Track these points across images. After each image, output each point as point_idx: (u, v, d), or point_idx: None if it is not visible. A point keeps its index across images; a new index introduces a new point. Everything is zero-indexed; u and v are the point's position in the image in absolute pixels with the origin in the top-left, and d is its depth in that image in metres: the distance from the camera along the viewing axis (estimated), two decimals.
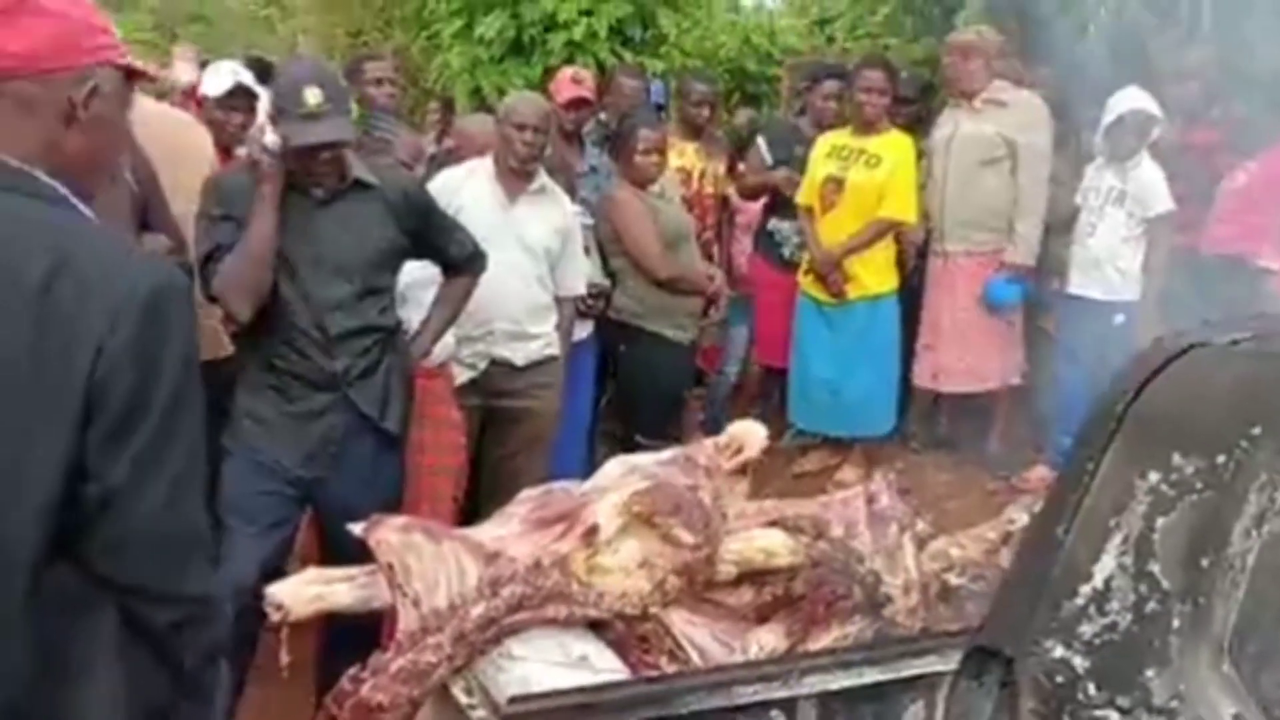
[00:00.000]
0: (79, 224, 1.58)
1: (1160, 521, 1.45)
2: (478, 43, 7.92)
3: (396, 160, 3.44)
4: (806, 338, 5.00)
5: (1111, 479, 1.55)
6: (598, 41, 7.83)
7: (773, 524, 2.76)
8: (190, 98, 4.46)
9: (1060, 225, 4.82)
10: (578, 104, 4.75)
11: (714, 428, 5.64)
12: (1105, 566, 1.51)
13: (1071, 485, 1.62)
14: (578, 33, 7.81)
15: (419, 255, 3.15)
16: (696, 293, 4.55)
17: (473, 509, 3.90)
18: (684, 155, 5.29)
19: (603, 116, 5.09)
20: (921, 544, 2.88)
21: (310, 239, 2.91)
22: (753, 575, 2.65)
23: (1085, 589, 1.50)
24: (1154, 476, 1.46)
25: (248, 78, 4.15)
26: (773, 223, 5.28)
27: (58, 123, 1.59)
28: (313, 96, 2.81)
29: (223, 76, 4.02)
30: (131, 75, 1.69)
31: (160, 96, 4.48)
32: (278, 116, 2.86)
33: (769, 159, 5.27)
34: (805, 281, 4.97)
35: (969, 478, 4.98)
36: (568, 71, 5.08)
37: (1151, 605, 1.43)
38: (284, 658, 2.51)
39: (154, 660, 1.59)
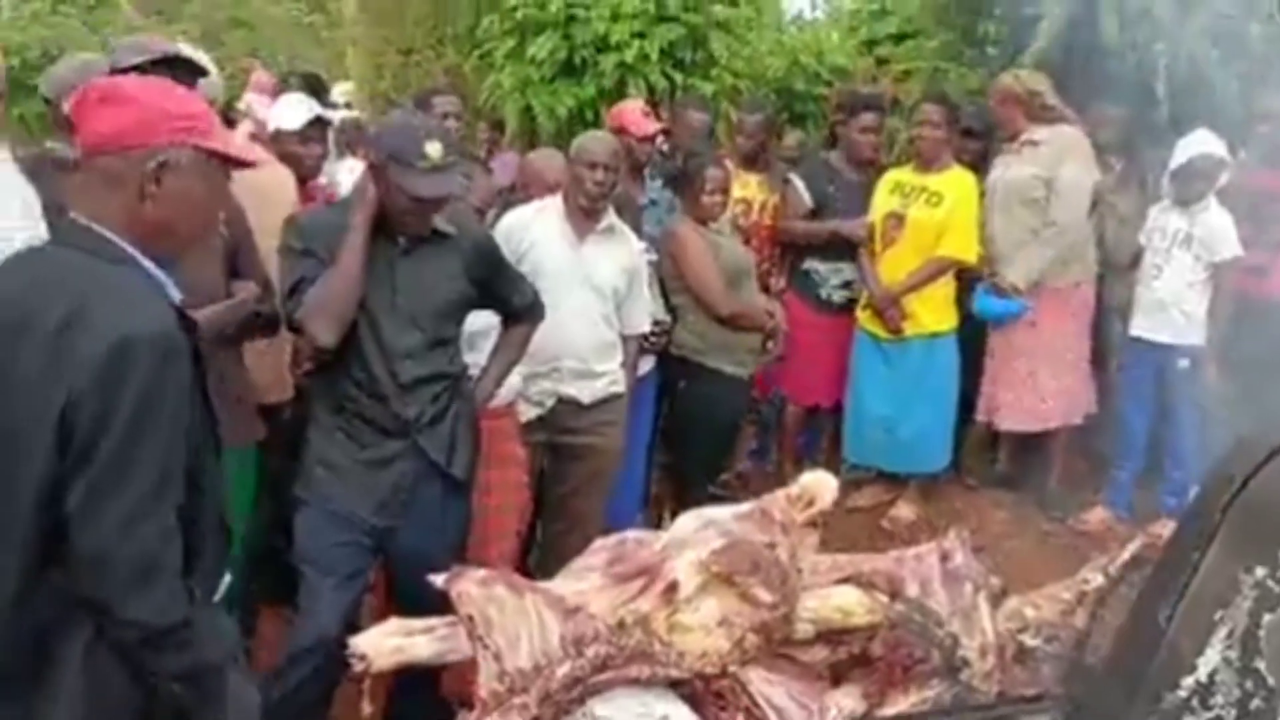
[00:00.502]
0: (117, 279, 1.84)
1: (1267, 618, 1.44)
2: (529, 63, 7.94)
3: (470, 206, 3.45)
4: (863, 373, 4.98)
5: (1216, 571, 1.54)
6: (649, 64, 7.83)
7: (846, 580, 2.75)
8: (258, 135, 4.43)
9: (1124, 266, 4.79)
10: (652, 138, 4.75)
11: (764, 455, 5.66)
12: (1209, 660, 1.50)
13: (1173, 574, 1.61)
14: (629, 55, 7.80)
15: (483, 305, 3.16)
16: (756, 329, 4.55)
17: (533, 543, 3.94)
18: (747, 187, 5.28)
19: (664, 148, 5.09)
20: (995, 603, 2.86)
21: (389, 286, 2.94)
22: (829, 635, 2.65)
23: (1188, 682, 1.49)
24: (1260, 572, 1.46)
25: (317, 107, 4.18)
26: (809, 263, 5.17)
27: (135, 194, 1.88)
28: (435, 151, 2.83)
29: (298, 110, 4.04)
30: (224, 159, 1.97)
31: (229, 124, 4.52)
32: (392, 167, 2.85)
33: (808, 200, 5.13)
34: (863, 317, 4.97)
35: (1025, 517, 4.96)
36: (634, 105, 5.06)
37: (1256, 702, 1.42)
38: (366, 708, 2.53)
39: (125, 672, 1.84)
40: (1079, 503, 4.94)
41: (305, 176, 4.01)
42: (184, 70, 3.08)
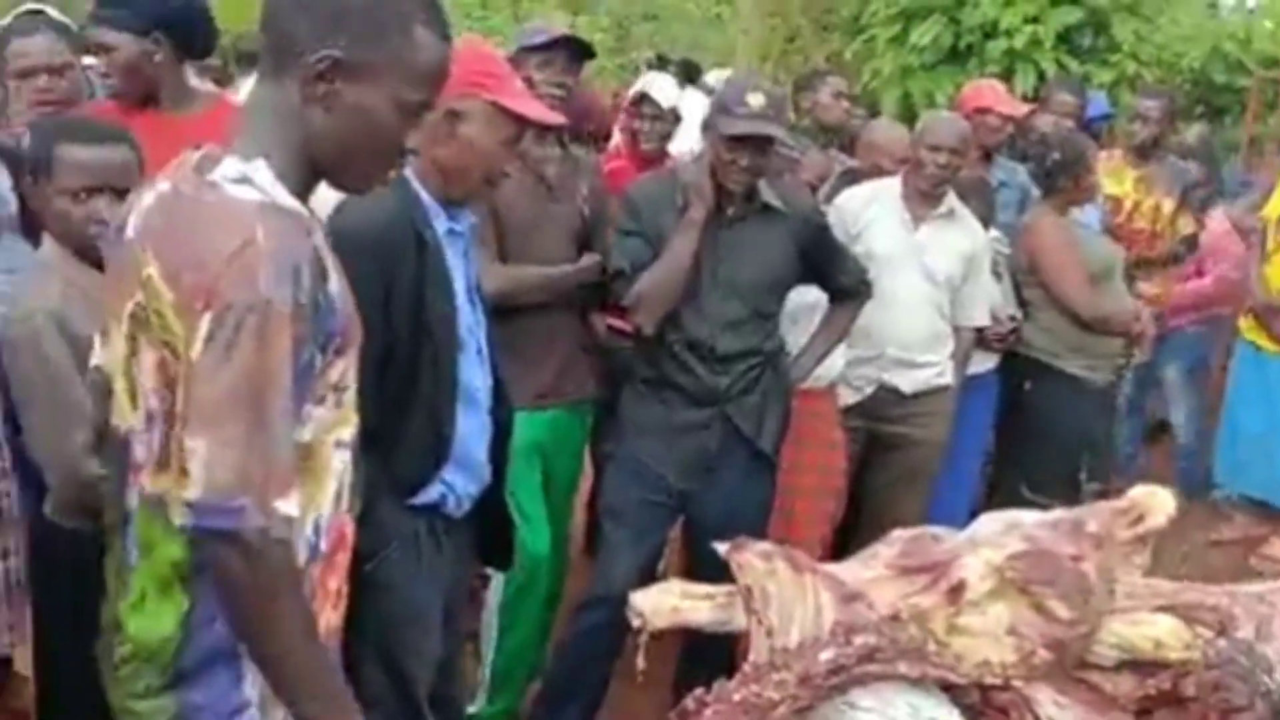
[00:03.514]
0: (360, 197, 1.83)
1: None
2: (911, 49, 7.78)
3: (802, 181, 3.43)
4: (1240, 387, 4.47)
5: None
6: (1040, 49, 7.43)
7: (1168, 609, 2.48)
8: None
9: None
10: (1018, 120, 4.49)
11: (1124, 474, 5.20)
12: None
13: None
14: (1020, 40, 7.45)
15: (808, 280, 3.13)
16: (1119, 333, 4.19)
17: (846, 533, 3.85)
18: (1122, 182, 4.87)
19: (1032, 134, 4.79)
20: None
21: (714, 257, 2.98)
22: (1137, 664, 2.40)
23: None
24: None
25: (672, 93, 4.28)
26: None
27: (432, 137, 2.17)
28: (756, 100, 2.89)
29: (669, 91, 4.15)
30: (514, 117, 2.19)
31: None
32: (716, 117, 2.94)
33: None
34: (1245, 325, 4.44)
35: None
36: (995, 84, 4.82)
37: None
38: (640, 663, 2.58)
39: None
40: None
41: (652, 153, 4.13)
42: (577, 50, 3.29)
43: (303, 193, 1.52)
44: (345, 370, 1.53)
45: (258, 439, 1.36)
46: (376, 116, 1.49)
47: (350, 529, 1.62)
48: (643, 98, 4.06)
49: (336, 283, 1.49)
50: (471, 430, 2.31)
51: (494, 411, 2.39)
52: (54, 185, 2.14)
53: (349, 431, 1.57)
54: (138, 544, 1.52)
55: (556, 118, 2.63)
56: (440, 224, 2.24)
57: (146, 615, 1.52)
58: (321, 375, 1.48)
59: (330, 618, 1.60)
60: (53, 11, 3.00)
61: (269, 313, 1.36)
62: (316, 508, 1.52)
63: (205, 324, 1.36)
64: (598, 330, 3.41)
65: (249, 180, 1.44)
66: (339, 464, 1.54)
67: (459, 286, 2.27)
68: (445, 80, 1.57)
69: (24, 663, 2.70)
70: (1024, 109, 4.49)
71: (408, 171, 2.22)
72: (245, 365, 1.35)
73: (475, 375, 2.31)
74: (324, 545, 1.55)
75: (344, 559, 1.61)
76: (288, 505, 1.38)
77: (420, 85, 1.51)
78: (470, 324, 2.30)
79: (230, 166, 1.46)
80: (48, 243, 2.22)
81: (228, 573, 1.39)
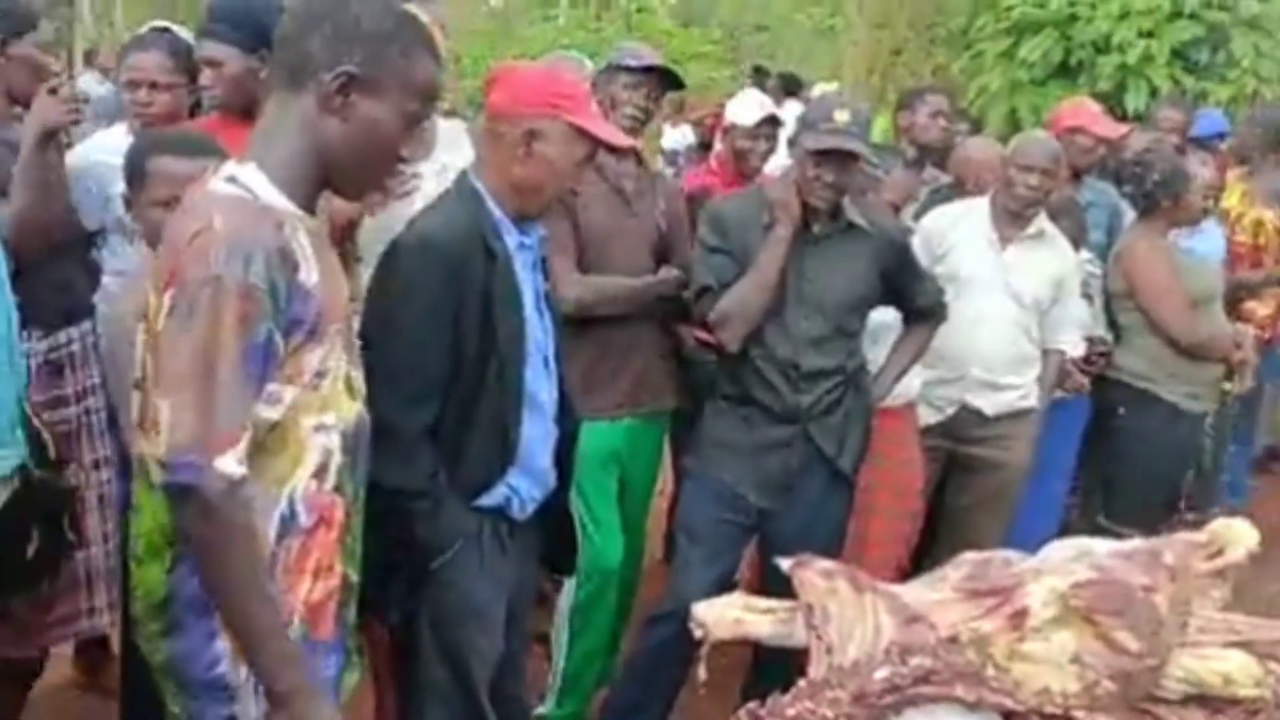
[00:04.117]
0: (434, 212, 2.32)
1: None
2: (1020, 64, 7.65)
3: (884, 201, 3.42)
4: None
5: None
6: (1154, 65, 7.24)
7: (1242, 645, 2.42)
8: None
9: None
10: (1113, 142, 4.39)
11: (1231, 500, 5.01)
12: None
13: None
14: (1133, 56, 7.27)
15: (887, 301, 3.13)
16: (1220, 359, 4.08)
17: (924, 554, 3.81)
18: (1230, 196, 4.73)
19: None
20: None
21: (799, 276, 3.00)
22: (1205, 699, 2.35)
23: None
24: None
25: (770, 106, 4.30)
26: None
27: (510, 155, 2.27)
28: (841, 116, 2.92)
29: (752, 108, 4.17)
30: (590, 138, 2.26)
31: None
32: (802, 133, 2.98)
33: None
34: None
35: None
36: (1090, 103, 4.71)
37: None
38: (701, 674, 2.61)
39: None
40: None
41: (750, 171, 4.14)
42: (667, 79, 3.36)
43: (308, 196, 1.69)
44: (326, 357, 1.65)
45: (206, 402, 1.51)
46: (385, 127, 1.68)
47: (341, 510, 1.72)
48: (731, 127, 4.09)
49: (314, 274, 1.62)
50: (536, 437, 2.38)
51: (559, 419, 2.45)
52: (146, 195, 2.28)
53: (336, 416, 1.69)
54: (137, 502, 1.72)
55: (629, 140, 2.71)
56: (510, 238, 2.31)
57: (145, 569, 1.70)
58: (292, 357, 1.61)
59: (315, 589, 1.70)
60: (181, 31, 3.14)
61: (219, 288, 1.51)
62: (292, 481, 1.65)
63: (168, 299, 1.55)
64: (685, 341, 3.44)
65: (235, 179, 1.62)
66: (320, 445, 1.66)
67: (527, 298, 2.34)
68: (437, 95, 1.79)
69: (114, 643, 2.86)
70: (1120, 130, 4.38)
71: (480, 187, 2.31)
72: (198, 335, 1.51)
73: (541, 384, 2.38)
74: (304, 519, 1.67)
75: (328, 536, 1.71)
76: (225, 463, 1.51)
77: (419, 98, 1.71)
78: (537, 334, 2.37)
79: (227, 168, 1.65)
80: (143, 248, 2.37)
81: (186, 525, 1.57)
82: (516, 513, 2.38)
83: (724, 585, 3.16)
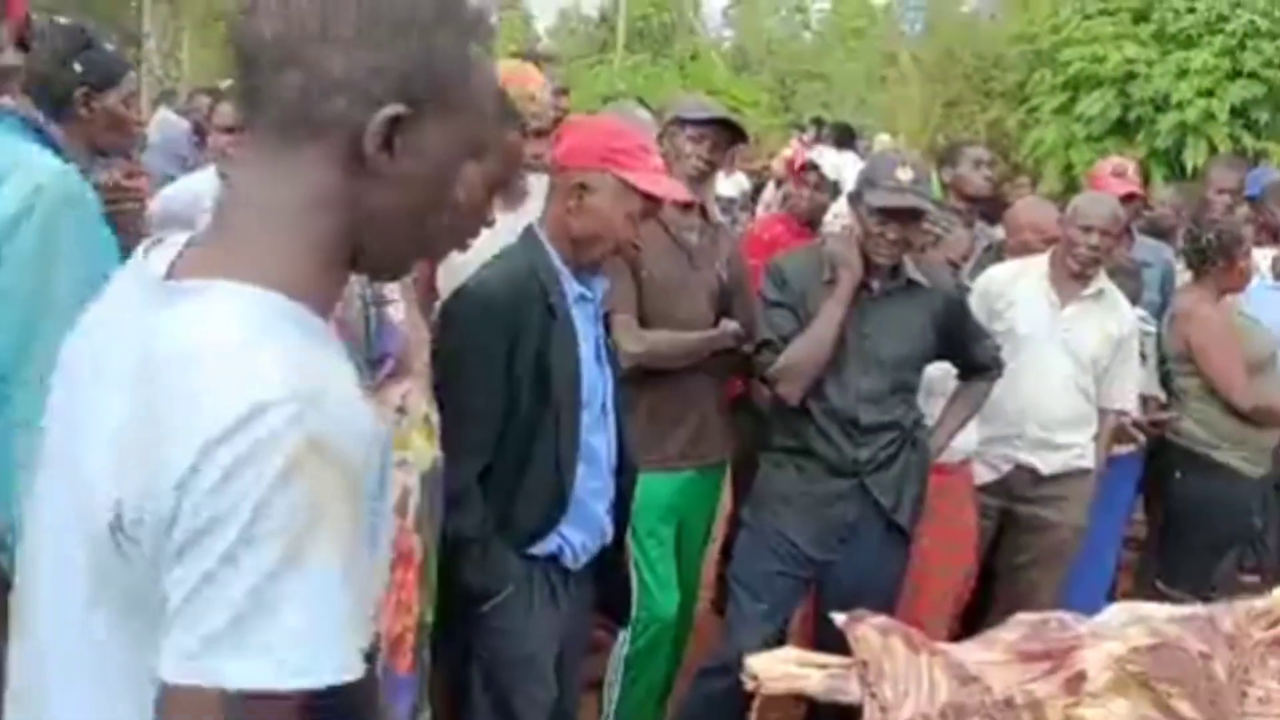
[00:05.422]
0: (497, 261, 2.31)
1: None
2: (1076, 119, 7.66)
3: (944, 258, 3.44)
4: None
5: None
6: (1214, 124, 7.23)
7: None
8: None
9: None
10: (1127, 200, 4.40)
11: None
12: None
13: None
14: (1192, 114, 7.27)
15: (944, 357, 3.15)
16: (1277, 424, 4.04)
17: (978, 613, 3.80)
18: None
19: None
20: None
21: (859, 332, 3.03)
22: None
23: None
24: None
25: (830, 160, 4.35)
26: None
27: (563, 205, 2.32)
28: (904, 174, 2.96)
29: (830, 159, 4.24)
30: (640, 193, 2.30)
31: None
32: (864, 189, 3.01)
33: None
34: None
35: None
36: (1108, 165, 4.73)
37: None
38: None
39: None
40: None
41: (808, 220, 4.19)
42: (728, 130, 3.41)
43: None
44: (407, 395, 1.70)
45: None
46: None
47: (419, 550, 1.79)
48: (810, 166, 4.14)
49: (402, 311, 1.68)
50: (592, 489, 2.39)
51: (618, 471, 2.48)
52: None
53: (415, 455, 1.74)
54: None
55: (684, 193, 2.74)
56: (571, 288, 2.35)
57: None
58: (377, 392, 1.65)
59: (395, 624, 1.75)
60: None
61: None
62: None
63: None
64: (758, 394, 3.46)
65: None
66: (400, 482, 1.70)
67: (586, 350, 2.36)
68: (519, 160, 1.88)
69: None
70: (1124, 189, 4.34)
71: (542, 237, 2.36)
72: None
73: (598, 435, 2.40)
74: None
75: (407, 574, 1.77)
76: None
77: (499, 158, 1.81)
78: (596, 386, 2.39)
79: None
80: None
81: None
82: (570, 562, 2.40)
83: (780, 637, 3.18)
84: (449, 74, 1.02)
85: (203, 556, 0.90)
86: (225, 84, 3.33)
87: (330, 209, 1.01)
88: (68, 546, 1.01)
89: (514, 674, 2.34)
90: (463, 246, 2.04)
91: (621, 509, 2.51)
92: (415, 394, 1.76)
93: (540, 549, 2.35)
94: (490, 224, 1.95)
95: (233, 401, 0.91)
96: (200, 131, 6.85)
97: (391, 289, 1.66)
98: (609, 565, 2.53)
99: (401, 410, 1.72)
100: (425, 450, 1.78)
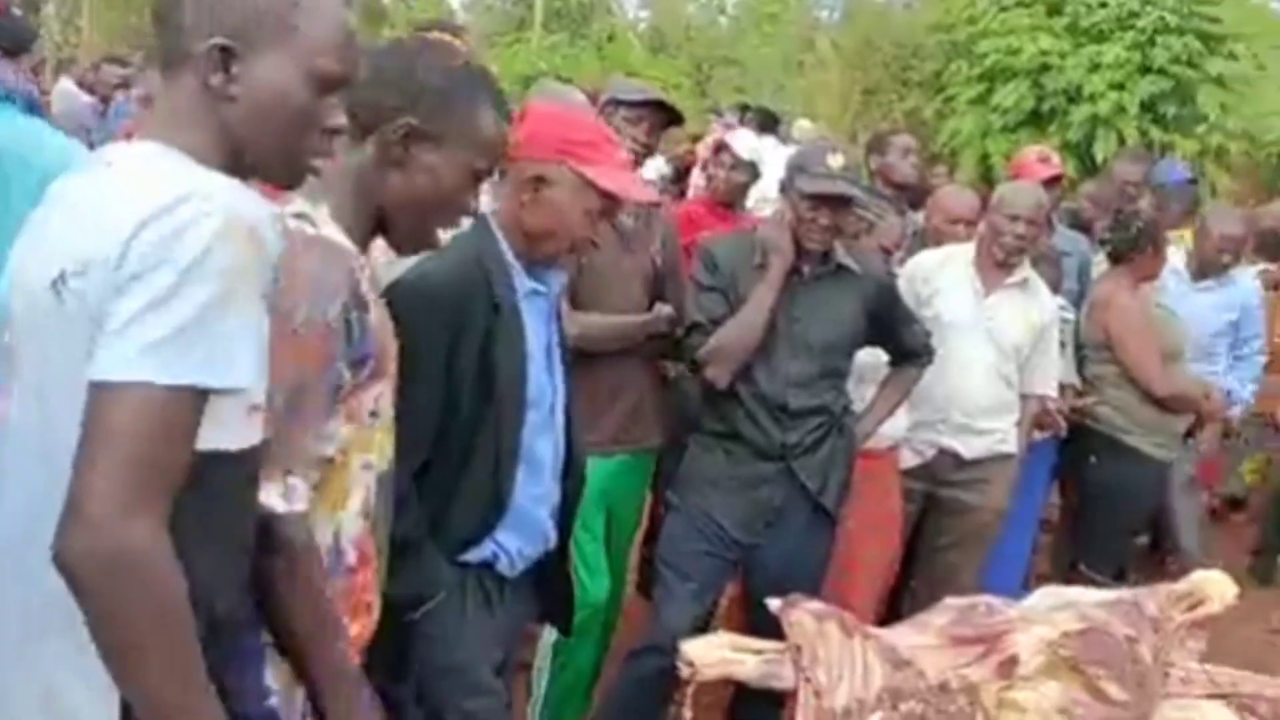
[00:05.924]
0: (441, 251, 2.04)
1: None
2: (992, 110, 7.79)
3: (877, 245, 3.46)
4: None
5: None
6: (1125, 117, 7.41)
7: (1223, 697, 2.47)
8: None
9: None
10: (1052, 183, 4.49)
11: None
12: None
13: None
14: (1103, 106, 7.43)
15: (874, 342, 3.17)
16: (1190, 410, 4.16)
17: (898, 593, 3.85)
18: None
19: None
20: None
21: (789, 316, 3.03)
22: None
23: None
24: None
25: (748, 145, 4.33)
26: None
27: (517, 197, 2.19)
28: (835, 161, 2.97)
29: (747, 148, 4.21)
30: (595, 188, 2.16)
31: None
32: (795, 176, 3.00)
33: None
34: None
35: None
36: (1032, 151, 4.84)
37: None
38: (686, 714, 2.61)
39: None
40: None
41: (728, 202, 4.17)
42: (664, 112, 3.36)
43: (361, 244, 1.69)
44: (380, 397, 1.64)
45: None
46: (447, 180, 1.72)
47: (373, 548, 1.69)
48: (722, 146, 4.13)
49: (376, 315, 1.61)
50: (533, 494, 2.24)
51: (564, 476, 2.33)
52: None
53: (380, 457, 1.67)
54: None
55: (650, 195, 2.65)
56: (522, 282, 2.20)
57: None
58: (354, 394, 1.59)
59: (354, 628, 1.68)
60: None
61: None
62: (341, 519, 1.62)
63: None
64: (669, 371, 3.44)
65: (304, 216, 1.61)
66: (365, 483, 1.64)
67: (535, 349, 2.22)
68: (502, 150, 1.79)
69: None
70: (1046, 173, 4.42)
71: (495, 230, 2.22)
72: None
73: (544, 438, 2.25)
74: (350, 558, 1.65)
75: (367, 573, 1.69)
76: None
77: (484, 153, 1.75)
78: (543, 387, 2.24)
79: (295, 204, 1.62)
80: None
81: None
82: (506, 569, 2.25)
83: (706, 618, 3.18)
84: (271, 12, 1.35)
85: (147, 289, 1.16)
86: (132, 54, 3.17)
87: (199, 123, 1.36)
88: None
89: (445, 684, 2.17)
90: (434, 239, 1.88)
91: (567, 515, 2.37)
92: (386, 397, 1.69)
93: (474, 555, 2.19)
94: (472, 214, 1.85)
95: (171, 189, 1.21)
96: (106, 101, 6.59)
97: (367, 290, 1.59)
98: (551, 572, 2.39)
99: (375, 414, 1.64)
100: (387, 451, 1.71)
